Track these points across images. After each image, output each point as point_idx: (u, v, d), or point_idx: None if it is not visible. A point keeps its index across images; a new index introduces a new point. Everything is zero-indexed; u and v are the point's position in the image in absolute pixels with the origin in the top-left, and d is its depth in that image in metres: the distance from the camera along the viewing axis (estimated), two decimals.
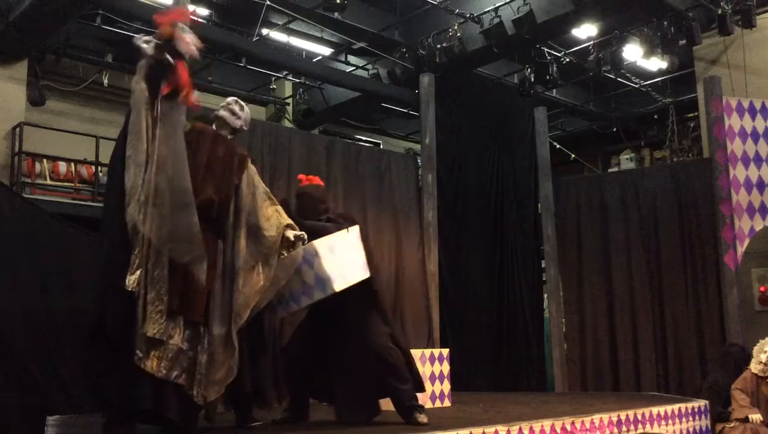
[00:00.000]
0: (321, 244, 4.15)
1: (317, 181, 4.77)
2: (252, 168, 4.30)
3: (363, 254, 4.30)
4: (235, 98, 4.50)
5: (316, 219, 4.50)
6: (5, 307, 5.97)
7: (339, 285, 4.11)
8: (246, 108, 4.48)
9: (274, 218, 4.17)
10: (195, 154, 4.02)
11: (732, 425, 6.22)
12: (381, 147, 13.33)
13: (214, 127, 4.35)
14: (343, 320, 4.36)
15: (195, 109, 4.10)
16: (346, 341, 4.35)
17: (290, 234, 4.13)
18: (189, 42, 3.91)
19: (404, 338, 4.77)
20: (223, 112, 4.38)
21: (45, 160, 10.42)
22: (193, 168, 3.87)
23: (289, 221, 4.22)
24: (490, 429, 4.35)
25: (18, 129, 9.91)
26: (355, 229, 4.33)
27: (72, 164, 10.59)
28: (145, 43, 3.87)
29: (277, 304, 4.32)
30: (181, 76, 3.85)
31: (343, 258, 4.17)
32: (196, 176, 3.91)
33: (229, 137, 4.36)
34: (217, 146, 4.20)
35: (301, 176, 4.81)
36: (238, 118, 4.39)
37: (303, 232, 4.20)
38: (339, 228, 4.34)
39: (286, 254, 4.15)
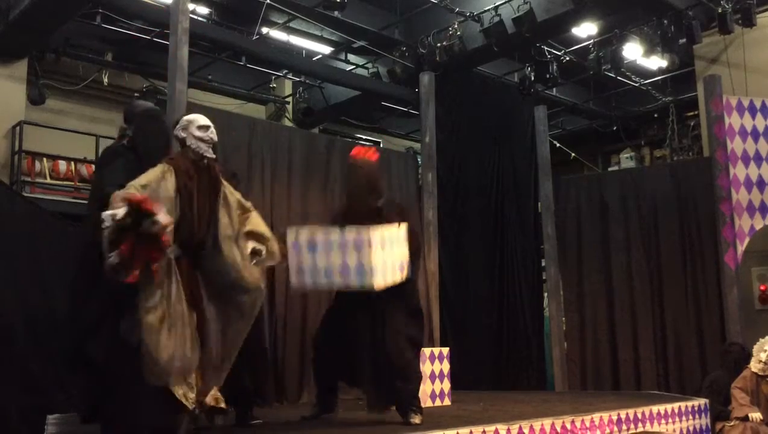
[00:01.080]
0: (375, 236, 4.10)
1: (372, 155, 4.61)
2: (225, 184, 4.05)
3: (406, 253, 4.28)
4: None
5: (369, 200, 4.45)
6: (5, 306, 5.98)
7: (378, 283, 4.10)
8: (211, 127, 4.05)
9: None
10: (190, 200, 3.80)
11: (732, 424, 6.23)
12: (381, 145, 13.33)
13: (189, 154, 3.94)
14: (369, 308, 4.36)
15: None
16: (370, 330, 4.39)
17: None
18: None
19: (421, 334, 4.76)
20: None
21: (45, 159, 10.42)
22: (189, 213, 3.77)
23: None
24: (491, 428, 4.35)
25: (18, 128, 9.91)
26: (404, 227, 4.29)
27: (72, 163, 10.59)
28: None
29: (302, 273, 4.26)
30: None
31: (389, 256, 4.15)
32: (192, 222, 3.78)
33: (205, 160, 3.97)
34: (200, 178, 3.90)
35: (358, 149, 4.62)
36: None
37: (261, 248, 3.98)
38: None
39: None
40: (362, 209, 4.45)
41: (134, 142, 4.14)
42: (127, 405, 3.54)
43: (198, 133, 3.95)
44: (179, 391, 3.56)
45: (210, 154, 3.96)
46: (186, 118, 4.04)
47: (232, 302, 3.88)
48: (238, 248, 3.92)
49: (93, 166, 10.55)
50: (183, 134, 3.97)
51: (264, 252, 4.02)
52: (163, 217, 3.38)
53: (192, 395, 3.65)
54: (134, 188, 3.49)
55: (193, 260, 3.83)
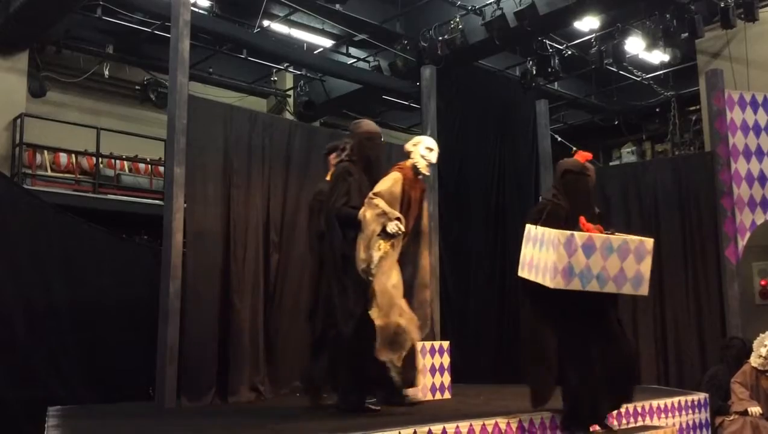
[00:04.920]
0: (651, 245, 4.20)
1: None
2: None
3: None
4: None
5: (586, 208, 4.41)
6: (6, 298, 5.99)
7: (645, 289, 4.19)
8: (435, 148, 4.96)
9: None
10: (409, 204, 4.78)
11: (731, 418, 6.23)
12: (382, 139, 13.32)
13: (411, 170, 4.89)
14: (602, 319, 4.35)
15: None
16: (605, 340, 4.33)
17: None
18: None
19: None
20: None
21: (46, 152, 10.43)
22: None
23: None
24: (490, 421, 4.36)
25: (19, 120, 9.91)
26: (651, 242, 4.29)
27: (73, 155, 10.60)
28: None
29: (571, 273, 4.13)
30: None
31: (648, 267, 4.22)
32: (406, 224, 4.65)
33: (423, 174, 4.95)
34: (416, 189, 4.88)
35: (585, 155, 4.57)
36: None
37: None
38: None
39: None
40: (586, 215, 4.38)
41: (356, 156, 4.91)
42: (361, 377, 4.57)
43: (423, 152, 4.87)
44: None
45: (426, 171, 4.92)
46: (418, 137, 5.02)
47: (413, 295, 4.77)
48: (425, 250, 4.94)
49: (94, 159, 10.56)
50: (411, 149, 4.92)
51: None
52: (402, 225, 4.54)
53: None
54: (380, 198, 4.56)
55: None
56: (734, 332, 7.19)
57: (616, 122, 13.42)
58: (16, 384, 5.79)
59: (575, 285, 4.11)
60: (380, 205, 4.57)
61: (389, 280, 4.53)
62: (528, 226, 4.44)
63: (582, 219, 4.25)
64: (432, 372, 5.78)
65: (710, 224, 7.76)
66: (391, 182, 4.73)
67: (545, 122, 9.00)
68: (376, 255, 4.52)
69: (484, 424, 4.31)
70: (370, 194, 4.65)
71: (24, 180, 9.78)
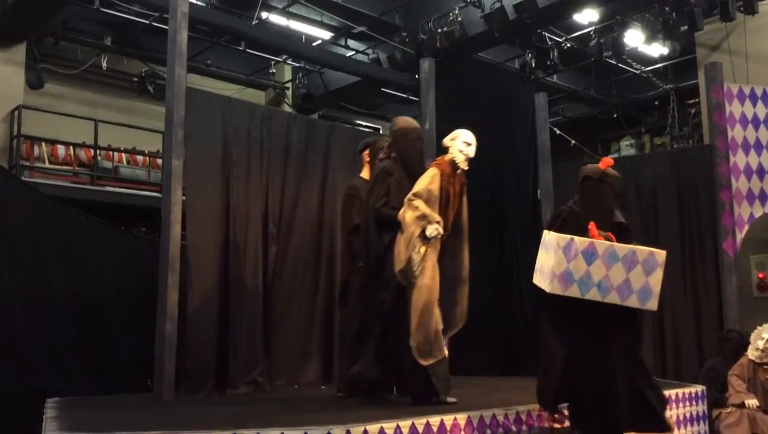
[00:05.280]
0: (662, 257, 4.03)
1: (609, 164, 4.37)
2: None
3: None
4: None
5: (605, 216, 4.25)
6: (4, 291, 5.98)
7: (654, 304, 4.02)
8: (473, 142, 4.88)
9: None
10: (447, 199, 4.77)
11: (729, 410, 6.25)
12: (380, 132, 13.30)
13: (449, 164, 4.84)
14: (614, 336, 4.14)
15: None
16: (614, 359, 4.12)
17: None
18: None
19: None
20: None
21: (44, 144, 10.40)
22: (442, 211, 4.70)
23: None
24: (488, 413, 4.37)
25: (16, 112, 9.88)
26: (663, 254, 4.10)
27: (71, 148, 10.58)
28: None
29: (569, 280, 4.00)
30: None
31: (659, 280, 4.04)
32: (445, 219, 4.71)
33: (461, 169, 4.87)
34: (455, 183, 4.85)
35: (607, 160, 4.39)
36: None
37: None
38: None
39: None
40: (603, 223, 4.22)
41: (394, 154, 4.99)
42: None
43: (461, 147, 4.81)
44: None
45: (464, 166, 4.83)
46: (456, 131, 4.90)
47: (451, 290, 4.81)
48: (465, 245, 4.94)
49: (92, 151, 10.55)
50: (449, 143, 4.85)
51: None
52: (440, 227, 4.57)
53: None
54: (419, 199, 4.60)
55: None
56: (732, 325, 7.20)
57: (615, 115, 13.41)
58: (14, 376, 5.79)
59: (573, 291, 3.98)
60: (420, 207, 4.58)
61: (429, 286, 4.59)
62: (544, 233, 4.33)
63: (592, 224, 4.10)
64: None
65: (708, 217, 7.77)
66: (428, 180, 4.72)
67: (544, 115, 8.99)
68: (416, 257, 4.56)
69: (482, 416, 4.33)
70: (410, 195, 4.66)
71: (22, 172, 9.76)
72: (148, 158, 11.23)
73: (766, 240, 8.79)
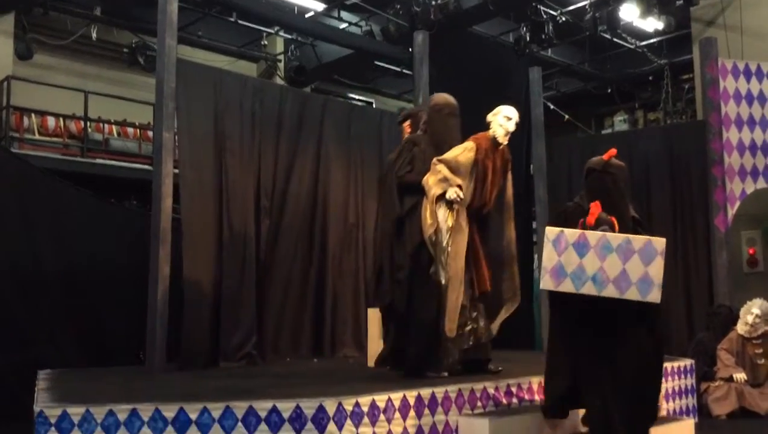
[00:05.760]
0: (662, 245, 3.83)
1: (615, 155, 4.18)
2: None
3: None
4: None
5: (611, 207, 3.99)
6: None
7: (657, 296, 3.80)
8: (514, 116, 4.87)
9: None
10: (484, 173, 4.79)
11: (717, 384, 6.32)
12: (374, 106, 13.23)
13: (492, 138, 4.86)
14: (623, 335, 3.91)
15: None
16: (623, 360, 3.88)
17: None
18: None
19: None
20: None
21: (33, 115, 10.30)
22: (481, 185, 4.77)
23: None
24: (479, 386, 4.40)
25: (5, 83, 9.77)
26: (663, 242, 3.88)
27: (61, 119, 10.48)
28: None
29: (560, 274, 3.83)
30: None
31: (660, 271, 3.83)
32: (484, 192, 4.79)
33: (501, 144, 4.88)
34: (495, 158, 4.86)
35: (610, 151, 4.20)
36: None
37: None
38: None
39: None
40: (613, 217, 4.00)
41: (428, 127, 5.09)
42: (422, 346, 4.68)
43: (501, 121, 4.82)
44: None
45: (502, 140, 4.84)
46: (499, 107, 4.91)
47: (499, 269, 4.87)
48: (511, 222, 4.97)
49: (82, 123, 10.45)
50: (491, 118, 4.87)
51: None
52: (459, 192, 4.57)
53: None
54: (442, 164, 4.61)
55: (479, 224, 4.85)
56: (722, 300, 7.25)
57: (609, 90, 13.36)
58: (5, 348, 5.79)
59: (566, 286, 3.79)
60: (442, 170, 4.62)
61: (459, 263, 4.63)
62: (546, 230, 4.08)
63: (594, 204, 3.89)
64: None
65: (700, 193, 7.79)
66: (459, 150, 4.75)
67: (538, 89, 8.94)
68: (445, 225, 4.59)
69: (472, 389, 4.35)
70: (435, 160, 4.70)
71: (11, 144, 9.67)
72: (138, 130, 11.14)
73: (757, 216, 8.81)
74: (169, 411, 3.53)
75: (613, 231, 3.84)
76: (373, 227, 7.20)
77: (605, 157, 4.11)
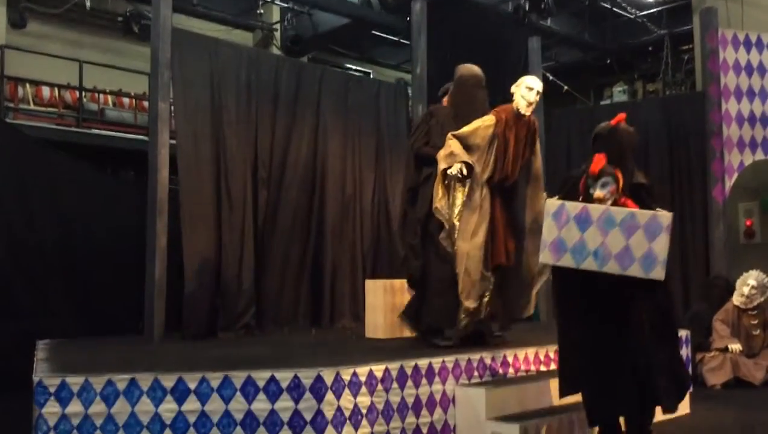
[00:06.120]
0: (668, 220, 3.63)
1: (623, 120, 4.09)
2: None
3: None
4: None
5: (621, 168, 3.87)
6: None
7: (660, 273, 3.59)
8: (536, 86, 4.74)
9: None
10: (505, 146, 4.72)
11: (712, 354, 6.37)
12: (371, 76, 13.13)
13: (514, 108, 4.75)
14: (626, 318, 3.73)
15: None
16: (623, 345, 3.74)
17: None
18: None
19: None
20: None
21: (28, 85, 10.20)
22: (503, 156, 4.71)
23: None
24: (476, 356, 4.43)
25: (0, 52, 9.66)
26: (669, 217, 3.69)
27: (56, 89, 10.38)
28: None
29: (561, 249, 3.71)
30: None
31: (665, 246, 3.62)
32: (506, 164, 4.72)
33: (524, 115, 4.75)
34: (518, 130, 4.76)
35: (618, 116, 4.15)
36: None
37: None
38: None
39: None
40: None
41: (453, 101, 5.08)
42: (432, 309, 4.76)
43: (523, 93, 4.70)
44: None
45: (524, 111, 4.70)
46: (523, 77, 4.82)
47: (530, 240, 4.79)
48: (541, 193, 4.85)
49: (77, 93, 10.36)
50: (514, 90, 4.76)
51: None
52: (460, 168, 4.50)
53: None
54: (455, 139, 4.57)
55: (503, 198, 4.80)
56: (718, 271, 7.28)
57: (608, 61, 13.25)
58: (3, 319, 5.81)
59: (566, 261, 3.69)
60: (452, 146, 4.59)
61: (474, 241, 4.61)
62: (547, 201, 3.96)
63: (598, 156, 3.76)
64: None
65: (698, 164, 7.77)
66: (478, 123, 4.71)
67: (537, 60, 8.87)
68: (444, 201, 4.58)
69: (469, 359, 4.38)
70: (449, 135, 4.67)
71: (6, 114, 9.59)
72: (134, 100, 11.05)
73: (755, 188, 8.81)
74: (168, 381, 3.55)
75: (617, 183, 3.75)
76: (370, 198, 7.21)
77: (613, 121, 4.05)
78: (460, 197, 4.63)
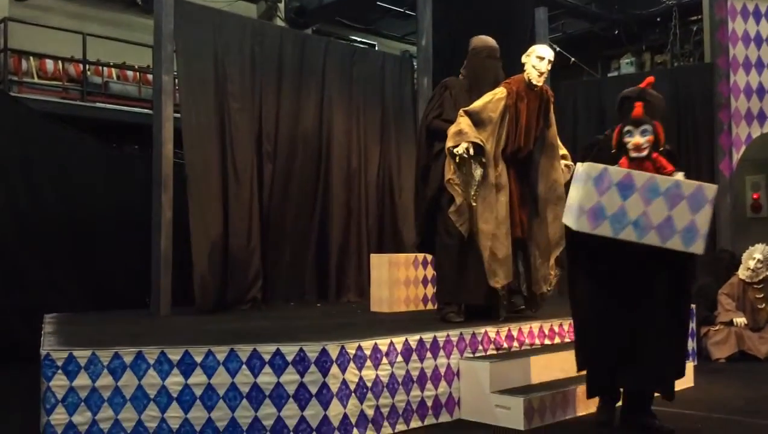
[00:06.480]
0: (713, 192, 3.46)
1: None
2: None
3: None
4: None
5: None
6: None
7: (701, 247, 3.44)
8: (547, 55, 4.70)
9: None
10: (517, 117, 4.70)
11: (717, 328, 6.38)
12: (376, 48, 13.02)
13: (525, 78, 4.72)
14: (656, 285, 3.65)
15: None
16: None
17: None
18: None
19: None
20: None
21: (32, 58, 10.16)
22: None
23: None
24: (480, 330, 4.44)
25: (2, 24, 9.61)
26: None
27: (60, 62, 10.34)
28: None
29: (599, 216, 3.47)
30: None
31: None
32: (517, 136, 4.71)
33: (536, 86, 4.71)
34: (530, 101, 4.73)
35: (648, 79, 3.98)
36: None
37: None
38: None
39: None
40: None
41: (466, 73, 5.08)
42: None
43: (534, 62, 4.67)
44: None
45: (536, 81, 4.68)
46: (533, 46, 4.83)
47: (545, 210, 4.79)
48: (555, 162, 4.85)
49: (81, 66, 10.31)
50: (525, 60, 4.74)
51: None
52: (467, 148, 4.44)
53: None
54: (466, 116, 4.54)
55: (517, 169, 4.79)
56: (724, 245, 7.26)
57: (616, 32, 13.10)
58: (10, 292, 5.84)
59: (604, 230, 3.44)
60: (461, 123, 4.55)
61: (498, 217, 4.62)
62: (576, 166, 3.77)
63: (624, 159, 3.64)
64: (424, 283, 5.85)
65: (706, 137, 7.72)
66: (489, 97, 4.67)
67: (544, 32, 8.77)
68: (477, 175, 4.55)
69: (474, 333, 4.39)
70: (461, 111, 4.63)
71: (11, 87, 9.56)
72: (138, 73, 11.00)
73: (762, 161, 8.74)
74: (175, 354, 3.58)
75: (656, 135, 3.64)
76: (375, 171, 7.18)
77: (642, 84, 3.93)
78: (476, 176, 4.58)
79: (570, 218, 3.62)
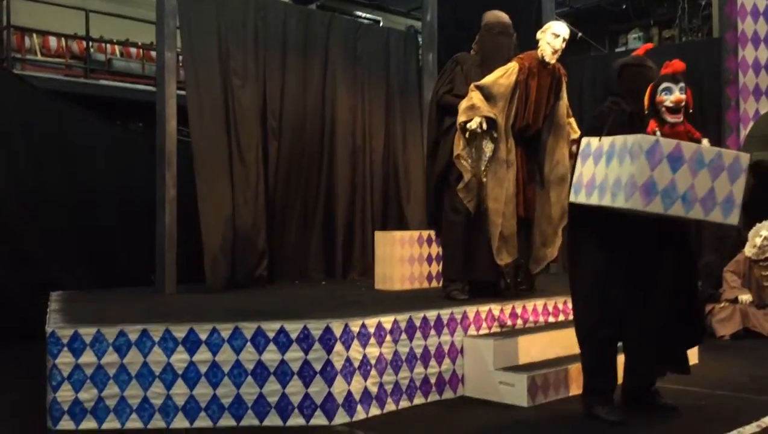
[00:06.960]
0: (747, 160, 3.40)
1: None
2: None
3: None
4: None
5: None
6: (1, 186, 5.97)
7: (736, 217, 3.37)
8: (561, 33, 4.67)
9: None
10: (527, 93, 4.67)
11: (722, 305, 6.37)
12: (381, 24, 12.91)
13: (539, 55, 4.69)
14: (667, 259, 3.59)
15: None
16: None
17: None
18: None
19: None
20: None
21: (35, 35, 10.11)
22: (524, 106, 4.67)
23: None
24: (484, 308, 4.45)
25: (5, 2, 9.55)
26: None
27: (63, 39, 10.29)
28: None
29: (652, 191, 3.23)
30: None
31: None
32: (527, 112, 4.68)
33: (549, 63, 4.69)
34: (541, 77, 4.71)
35: (645, 45, 4.06)
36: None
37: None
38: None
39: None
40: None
41: (478, 48, 5.03)
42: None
43: (549, 39, 4.65)
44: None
45: (549, 58, 4.65)
46: (549, 23, 4.81)
47: (549, 190, 4.77)
48: (562, 142, 4.81)
49: (84, 43, 10.26)
50: (539, 36, 4.70)
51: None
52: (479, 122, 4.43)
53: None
54: (477, 91, 4.51)
55: (525, 147, 4.76)
56: None
57: (624, 6, 12.96)
58: (15, 268, 5.87)
59: (656, 206, 3.21)
60: (474, 98, 4.52)
61: (507, 194, 4.60)
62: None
63: (653, 122, 3.49)
64: (429, 261, 5.85)
65: (713, 113, 7.64)
66: (500, 72, 4.64)
67: (551, 6, 8.69)
68: (488, 153, 4.54)
69: (478, 310, 4.40)
70: (472, 85, 4.60)
71: (14, 65, 9.53)
72: (141, 50, 10.95)
73: None
74: (180, 332, 3.60)
75: (687, 96, 3.54)
76: (380, 148, 7.15)
77: (640, 51, 3.87)
78: (487, 151, 4.56)
79: (619, 196, 3.27)
